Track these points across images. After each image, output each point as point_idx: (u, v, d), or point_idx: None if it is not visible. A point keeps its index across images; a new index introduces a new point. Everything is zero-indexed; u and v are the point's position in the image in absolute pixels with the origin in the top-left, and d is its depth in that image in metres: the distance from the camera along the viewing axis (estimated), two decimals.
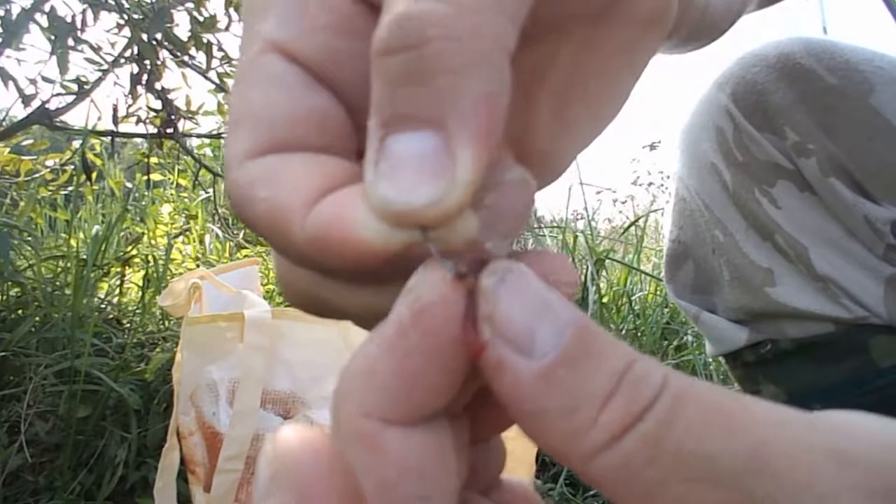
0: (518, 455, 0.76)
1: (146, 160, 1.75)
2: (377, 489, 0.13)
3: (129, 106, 1.51)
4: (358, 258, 0.14)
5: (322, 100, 0.16)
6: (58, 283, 1.20)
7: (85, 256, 1.19)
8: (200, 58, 1.57)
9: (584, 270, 1.79)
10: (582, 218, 2.28)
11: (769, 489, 0.12)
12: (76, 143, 1.58)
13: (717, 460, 0.12)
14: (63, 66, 1.29)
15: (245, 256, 1.82)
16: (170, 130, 1.55)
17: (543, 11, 0.16)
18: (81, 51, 1.37)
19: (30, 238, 1.33)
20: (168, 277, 1.40)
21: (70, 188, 1.54)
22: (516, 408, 0.13)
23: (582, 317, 0.13)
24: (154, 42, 1.39)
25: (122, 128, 1.54)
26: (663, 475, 0.12)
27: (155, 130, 1.56)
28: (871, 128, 0.57)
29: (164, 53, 1.50)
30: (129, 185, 1.95)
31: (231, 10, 1.58)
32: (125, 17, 1.37)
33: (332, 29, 0.16)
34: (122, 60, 1.45)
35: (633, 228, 2.18)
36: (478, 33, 0.13)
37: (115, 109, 1.49)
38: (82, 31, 1.33)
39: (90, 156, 1.55)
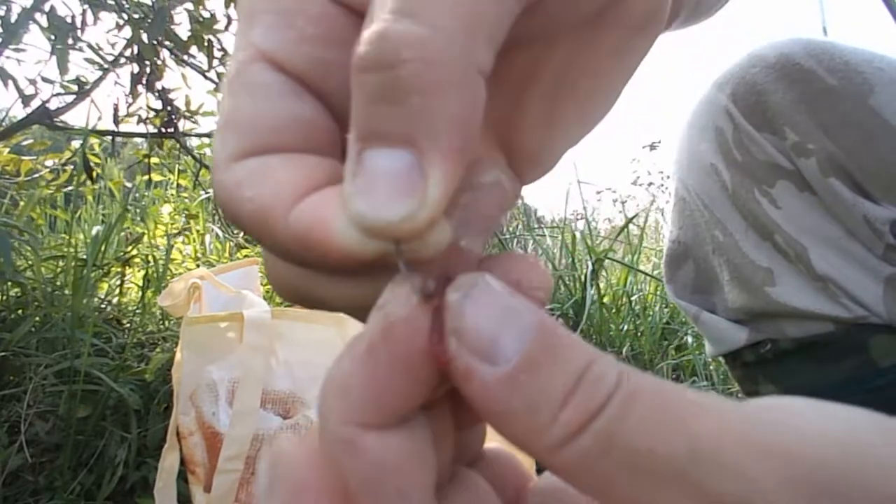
0: (517, 453, 0.76)
1: (146, 160, 1.75)
2: (359, 488, 0.14)
3: (130, 105, 1.51)
4: (336, 260, 0.15)
5: (307, 108, 0.17)
6: (58, 283, 1.20)
7: (85, 256, 1.19)
8: (200, 57, 1.57)
9: (584, 270, 1.79)
10: (582, 218, 2.28)
11: (703, 478, 0.13)
12: (76, 144, 1.58)
13: (659, 453, 0.13)
14: (63, 66, 1.29)
15: (245, 256, 1.82)
16: (170, 130, 1.55)
17: (534, 19, 0.16)
18: (81, 50, 1.37)
19: (29, 238, 1.33)
20: (168, 277, 1.40)
21: (70, 188, 1.54)
22: (484, 409, 0.14)
23: (544, 320, 0.14)
24: (154, 42, 1.39)
25: (123, 127, 1.54)
26: (616, 468, 0.13)
27: (155, 130, 1.56)
28: (871, 128, 0.58)
29: (164, 53, 1.50)
30: (128, 185, 1.95)
31: (231, 9, 1.58)
32: (125, 16, 1.37)
33: (320, 40, 0.16)
34: (122, 60, 1.45)
35: (633, 228, 2.18)
36: (452, 56, 0.14)
37: (115, 109, 1.49)
38: (82, 30, 1.33)
39: (90, 156, 1.55)
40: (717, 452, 0.13)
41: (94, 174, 1.55)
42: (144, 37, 1.36)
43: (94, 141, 1.63)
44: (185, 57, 1.54)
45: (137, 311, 1.33)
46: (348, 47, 0.15)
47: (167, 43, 1.45)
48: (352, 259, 0.15)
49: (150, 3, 1.41)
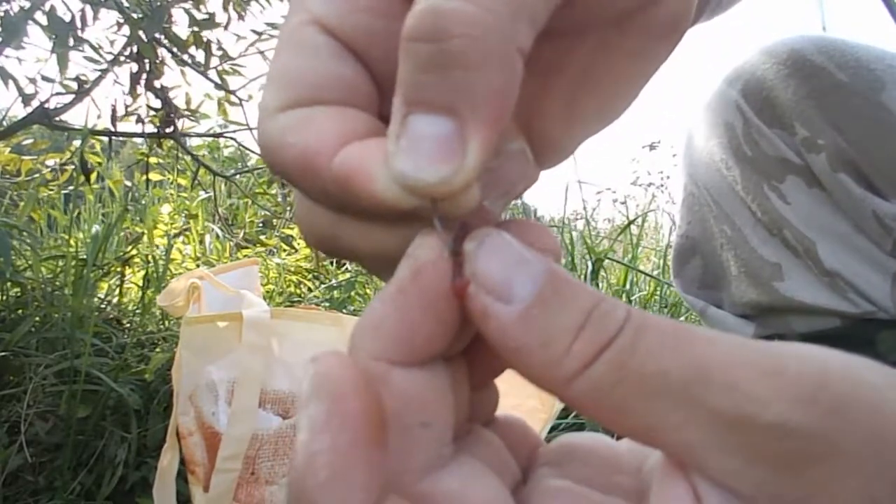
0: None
1: (145, 160, 1.75)
2: (387, 417, 0.15)
3: (129, 105, 1.50)
4: (373, 207, 0.16)
5: (350, 70, 0.18)
6: (57, 283, 1.19)
7: (84, 256, 1.19)
8: (199, 57, 1.57)
9: (584, 270, 1.79)
10: (581, 218, 2.28)
11: (709, 395, 0.14)
12: (76, 143, 1.58)
13: (669, 376, 0.14)
14: (63, 66, 1.29)
15: (245, 256, 1.82)
16: (169, 130, 1.55)
17: (567, 13, 0.17)
18: (82, 50, 1.37)
19: (29, 238, 1.32)
20: (168, 277, 1.39)
21: (70, 188, 1.54)
22: (502, 346, 0.15)
23: (554, 266, 0.15)
24: (153, 41, 1.39)
25: (122, 127, 1.54)
26: (629, 393, 0.14)
27: (154, 130, 1.56)
28: (882, 125, 0.58)
29: (163, 52, 1.49)
30: (128, 184, 1.95)
31: (230, 9, 1.58)
32: (124, 15, 1.37)
33: (370, 10, 0.18)
34: (122, 59, 1.45)
35: (632, 228, 2.17)
36: (496, 34, 0.15)
37: (113, 109, 1.49)
38: (82, 30, 1.33)
39: (89, 156, 1.54)
40: (726, 375, 0.14)
41: (94, 174, 1.55)
42: (144, 36, 1.36)
43: (92, 140, 1.63)
44: (185, 56, 1.54)
45: (137, 311, 1.33)
46: (396, 20, 0.16)
47: (165, 42, 1.45)
48: (387, 208, 0.16)
49: (148, 1, 1.40)
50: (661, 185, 3.19)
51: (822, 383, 0.14)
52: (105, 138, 1.59)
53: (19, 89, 1.28)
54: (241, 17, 1.60)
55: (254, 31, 1.63)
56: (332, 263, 1.96)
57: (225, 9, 1.56)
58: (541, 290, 0.15)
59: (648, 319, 0.15)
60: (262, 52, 1.65)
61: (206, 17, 1.51)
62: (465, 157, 0.15)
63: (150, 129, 1.57)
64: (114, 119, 1.49)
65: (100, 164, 1.73)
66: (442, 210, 0.16)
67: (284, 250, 2.00)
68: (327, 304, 1.64)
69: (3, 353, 1.00)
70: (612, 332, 0.14)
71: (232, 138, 1.81)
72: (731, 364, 0.14)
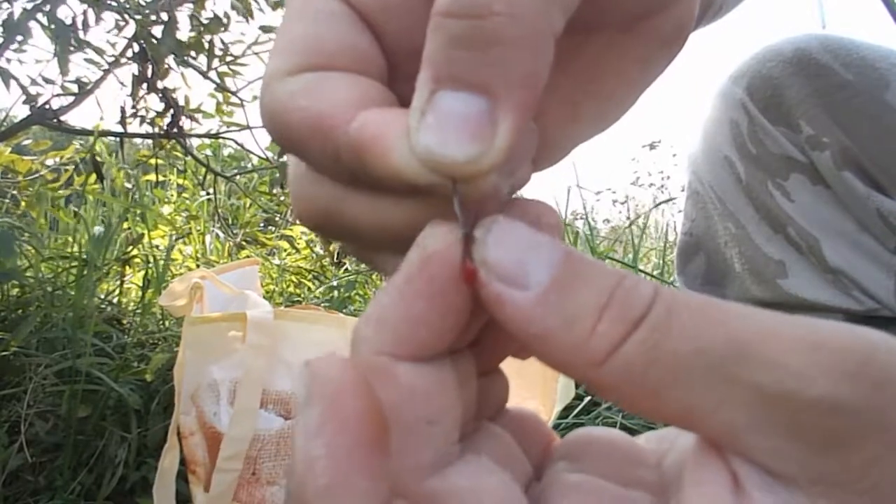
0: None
1: (150, 160, 1.75)
2: (391, 414, 0.14)
3: (134, 106, 1.50)
4: (387, 180, 0.15)
5: (364, 40, 0.18)
6: (58, 283, 1.19)
7: (85, 256, 1.19)
8: (200, 59, 1.56)
9: None
10: (581, 218, 2.28)
11: (749, 372, 0.13)
12: (75, 143, 1.58)
13: (706, 354, 0.13)
14: (64, 68, 1.28)
15: (245, 256, 1.82)
16: (174, 130, 1.54)
17: (578, 12, 0.17)
18: (85, 52, 1.37)
19: (31, 238, 1.32)
20: (168, 278, 1.39)
21: (73, 188, 1.54)
22: (522, 333, 0.14)
23: (569, 248, 0.15)
24: (157, 41, 1.39)
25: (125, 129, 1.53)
26: (665, 374, 0.13)
27: (157, 131, 1.56)
28: (886, 123, 0.58)
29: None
30: (128, 185, 1.95)
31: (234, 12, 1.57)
32: (126, 17, 1.37)
33: None
34: (123, 61, 1.45)
35: (633, 228, 2.17)
36: (535, 15, 0.14)
37: (122, 111, 1.48)
38: (84, 31, 1.33)
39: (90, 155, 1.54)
40: (766, 350, 0.13)
41: (94, 175, 1.55)
42: (153, 39, 1.36)
43: (90, 139, 1.63)
44: (186, 58, 1.53)
45: (137, 311, 1.33)
46: None
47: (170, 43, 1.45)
48: (402, 182, 0.15)
49: (149, 2, 1.40)
50: (662, 185, 3.19)
51: (866, 357, 0.13)
52: (106, 139, 1.59)
53: (24, 89, 1.28)
54: (247, 19, 1.58)
55: (262, 28, 1.62)
56: (332, 264, 1.96)
57: (234, 8, 1.55)
58: (557, 272, 0.14)
59: (679, 296, 0.14)
60: (258, 55, 1.65)
61: (209, 20, 1.50)
62: (494, 139, 0.15)
63: (152, 130, 1.56)
64: (123, 120, 1.49)
65: (103, 163, 1.73)
66: (460, 190, 0.15)
67: (285, 250, 2.00)
68: (328, 305, 1.64)
69: (3, 353, 1.00)
70: (640, 311, 0.14)
71: (233, 139, 1.81)
72: (770, 339, 0.13)
